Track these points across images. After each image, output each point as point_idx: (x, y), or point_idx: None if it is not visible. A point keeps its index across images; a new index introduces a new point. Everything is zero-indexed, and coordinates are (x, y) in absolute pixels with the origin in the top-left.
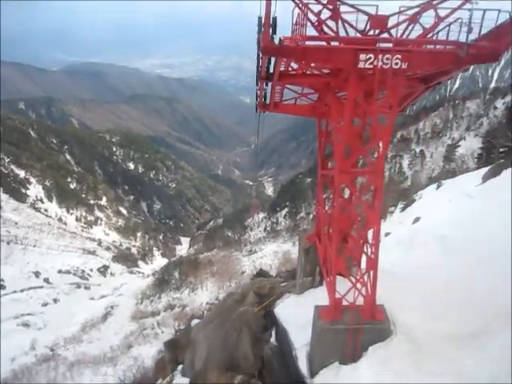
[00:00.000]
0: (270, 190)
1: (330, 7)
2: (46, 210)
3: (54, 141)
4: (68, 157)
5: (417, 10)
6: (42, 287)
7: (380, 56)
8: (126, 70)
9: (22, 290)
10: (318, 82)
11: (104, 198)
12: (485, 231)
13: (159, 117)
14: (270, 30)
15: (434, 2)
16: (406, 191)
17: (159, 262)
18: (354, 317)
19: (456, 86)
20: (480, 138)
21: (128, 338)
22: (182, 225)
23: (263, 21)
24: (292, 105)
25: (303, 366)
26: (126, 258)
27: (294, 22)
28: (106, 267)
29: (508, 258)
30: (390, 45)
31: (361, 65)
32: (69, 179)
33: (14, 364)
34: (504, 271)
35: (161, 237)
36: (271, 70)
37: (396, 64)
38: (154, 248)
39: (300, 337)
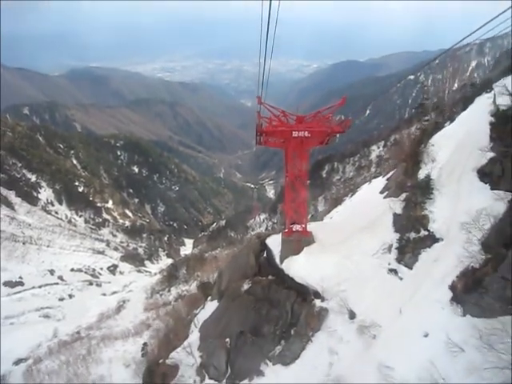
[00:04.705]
0: (270, 193)
1: (283, 114)
2: (56, 213)
3: (61, 146)
4: (74, 161)
5: (316, 111)
6: (57, 284)
7: (300, 132)
8: (128, 74)
9: (39, 286)
10: (281, 137)
11: (110, 201)
12: (368, 201)
13: (161, 121)
14: (261, 123)
15: (321, 111)
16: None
17: (165, 261)
18: (297, 235)
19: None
20: None
21: (145, 323)
22: (185, 227)
23: (258, 120)
24: (273, 142)
25: (277, 261)
26: (133, 258)
27: (270, 116)
28: (115, 266)
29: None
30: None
31: (293, 135)
32: (76, 183)
33: (41, 349)
34: (366, 213)
35: (165, 238)
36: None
37: (306, 134)
38: (160, 249)
39: (276, 249)
